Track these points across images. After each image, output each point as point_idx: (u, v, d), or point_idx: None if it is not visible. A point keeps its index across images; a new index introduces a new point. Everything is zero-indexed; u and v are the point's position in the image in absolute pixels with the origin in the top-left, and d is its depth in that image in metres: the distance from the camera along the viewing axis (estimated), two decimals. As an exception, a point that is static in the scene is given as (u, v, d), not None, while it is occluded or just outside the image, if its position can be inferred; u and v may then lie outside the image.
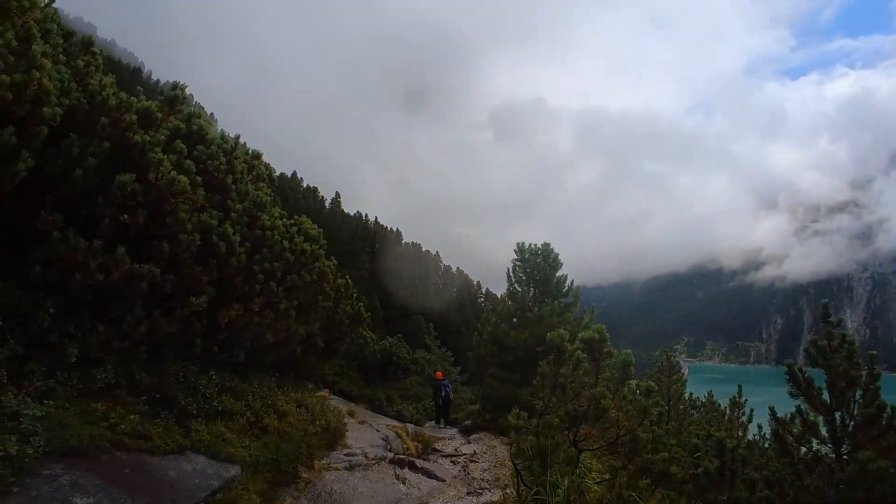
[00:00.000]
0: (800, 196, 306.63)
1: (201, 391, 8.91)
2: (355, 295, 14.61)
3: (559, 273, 22.07)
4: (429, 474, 12.42)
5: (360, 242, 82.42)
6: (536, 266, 21.93)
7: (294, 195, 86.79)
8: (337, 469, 10.71)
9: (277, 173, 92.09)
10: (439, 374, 24.92)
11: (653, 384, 8.74)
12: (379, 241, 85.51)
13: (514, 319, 21.93)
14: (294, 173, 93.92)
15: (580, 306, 22.48)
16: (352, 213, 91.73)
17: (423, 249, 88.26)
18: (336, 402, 17.21)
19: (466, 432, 21.02)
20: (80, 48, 9.78)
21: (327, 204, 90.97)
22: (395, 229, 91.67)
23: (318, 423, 11.19)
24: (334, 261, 12.96)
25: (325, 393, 17.44)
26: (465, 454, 17.44)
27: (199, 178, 8.87)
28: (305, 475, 9.66)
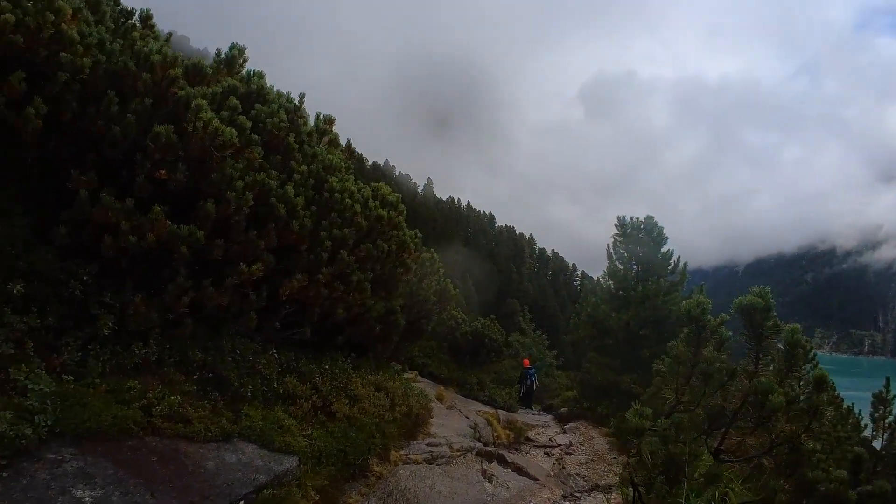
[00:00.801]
0: None
1: (260, 371, 7.81)
2: (442, 270, 13.27)
3: (664, 249, 20.01)
4: (520, 470, 10.97)
5: (453, 227, 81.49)
6: (639, 241, 19.95)
7: (388, 181, 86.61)
8: (416, 461, 9.47)
9: (370, 162, 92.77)
10: (526, 361, 23.64)
11: (824, 370, 6.39)
12: (472, 226, 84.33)
13: (615, 300, 20.08)
14: (387, 161, 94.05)
15: (687, 285, 20.31)
16: (444, 199, 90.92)
17: (517, 232, 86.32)
18: (424, 386, 16.07)
19: (562, 420, 19.44)
20: (139, 22, 8.97)
21: (420, 190, 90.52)
22: (487, 213, 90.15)
23: (398, 408, 9.98)
24: (419, 233, 11.63)
25: (412, 375, 16.33)
26: (560, 445, 15.91)
27: (256, 137, 7.74)
28: (378, 468, 8.45)
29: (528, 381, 22.95)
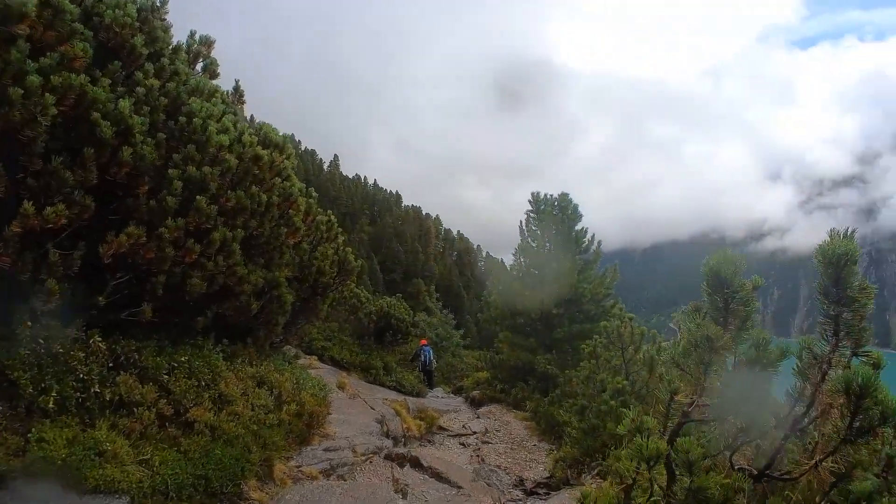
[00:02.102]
0: (806, 169, 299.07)
1: (75, 369, 5.07)
2: (342, 238, 10.70)
3: (578, 227, 18.22)
4: (439, 477, 8.61)
5: (359, 206, 78.46)
6: (553, 219, 18.07)
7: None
8: (310, 476, 6.95)
9: None
10: (423, 340, 21.54)
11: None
12: (378, 205, 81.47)
13: (528, 278, 18.17)
14: (292, 135, 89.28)
15: (601, 263, 18.67)
16: (350, 176, 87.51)
17: (424, 213, 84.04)
18: (323, 373, 13.57)
19: (474, 404, 17.34)
20: None
21: (325, 167, 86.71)
22: (394, 192, 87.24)
23: (287, 407, 7.42)
24: (314, 193, 9.07)
25: (309, 361, 13.77)
26: (475, 432, 13.80)
27: (79, 27, 4.98)
28: (256, 494, 5.86)
29: (423, 358, 20.37)
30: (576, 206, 18.35)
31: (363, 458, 8.33)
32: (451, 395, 20.71)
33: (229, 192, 6.07)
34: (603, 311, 17.39)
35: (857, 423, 3.54)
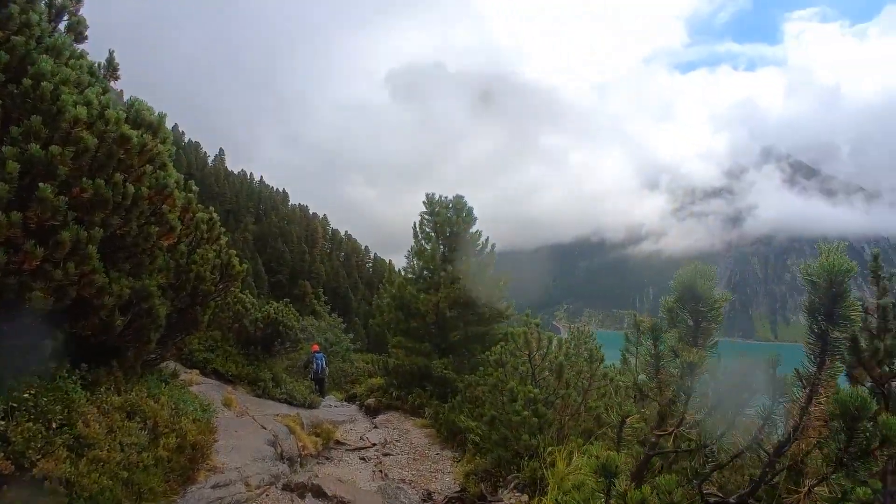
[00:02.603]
0: (680, 180, 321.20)
1: None
2: (225, 239, 9.33)
3: (473, 229, 17.66)
4: (346, 507, 7.58)
5: (244, 203, 74.86)
6: (447, 220, 17.40)
7: (175, 150, 77.25)
8: (195, 523, 5.77)
9: None
10: (315, 346, 20.84)
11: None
12: (264, 202, 78.19)
13: (423, 281, 17.40)
14: (175, 126, 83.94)
15: (496, 267, 18.23)
16: (236, 172, 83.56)
17: (311, 212, 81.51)
18: (206, 390, 12.07)
19: (370, 412, 16.30)
20: None
21: (210, 161, 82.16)
22: (281, 190, 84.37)
23: (164, 441, 6.11)
24: (195, 187, 7.74)
25: (190, 377, 12.21)
26: (374, 444, 12.78)
27: None
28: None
29: (315, 366, 19.38)
30: (470, 209, 17.81)
31: (258, 491, 7.15)
32: (345, 403, 19.54)
33: (85, 180, 4.67)
34: (497, 313, 16.91)
35: (853, 448, 3.00)
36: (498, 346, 10.97)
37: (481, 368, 13.77)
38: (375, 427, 14.37)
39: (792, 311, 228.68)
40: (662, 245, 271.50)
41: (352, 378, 25.83)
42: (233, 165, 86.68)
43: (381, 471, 10.93)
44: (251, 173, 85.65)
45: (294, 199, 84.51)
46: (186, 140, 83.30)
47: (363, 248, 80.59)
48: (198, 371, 13.97)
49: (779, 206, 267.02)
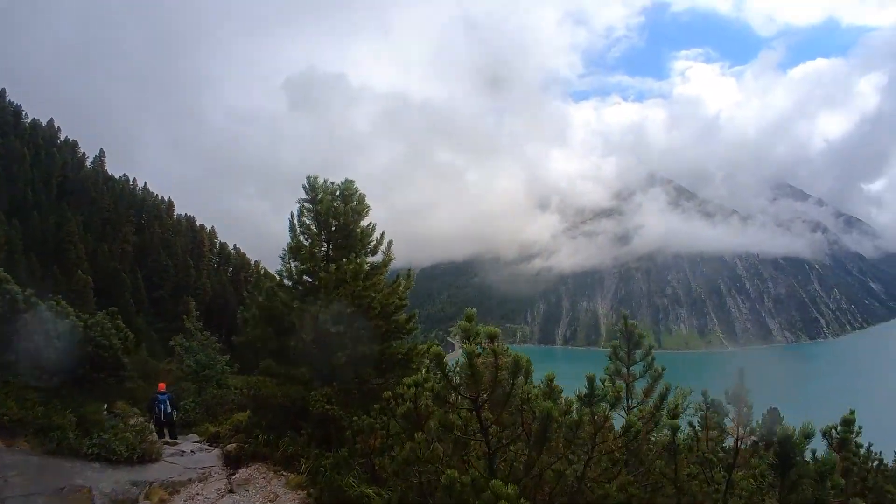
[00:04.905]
0: (571, 200, 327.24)
1: None
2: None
3: (365, 222, 13.68)
4: None
5: (124, 211, 67.11)
6: (333, 211, 13.31)
7: (48, 147, 68.75)
8: None
9: (29, 119, 72.91)
10: (161, 385, 17.28)
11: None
12: (147, 211, 70.77)
13: (299, 287, 13.24)
14: (51, 121, 74.83)
15: (392, 268, 14.24)
16: (118, 176, 75.44)
17: (198, 224, 74.49)
18: None
19: (230, 462, 11.86)
20: None
21: (89, 163, 73.68)
22: (167, 199, 76.95)
23: None
24: None
25: None
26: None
27: None
28: None
29: (158, 409, 15.68)
30: (362, 197, 13.76)
31: None
32: (206, 445, 14.80)
33: None
34: (396, 327, 13.03)
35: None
36: (412, 378, 6.79)
37: (377, 406, 9.88)
38: (231, 491, 10.07)
39: (673, 321, 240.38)
40: (553, 262, 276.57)
41: (229, 406, 21.05)
42: (113, 169, 78.63)
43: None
44: (134, 179, 78.19)
45: (180, 209, 77.50)
46: (63, 138, 74.75)
47: (254, 263, 74.39)
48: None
49: (663, 226, 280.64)
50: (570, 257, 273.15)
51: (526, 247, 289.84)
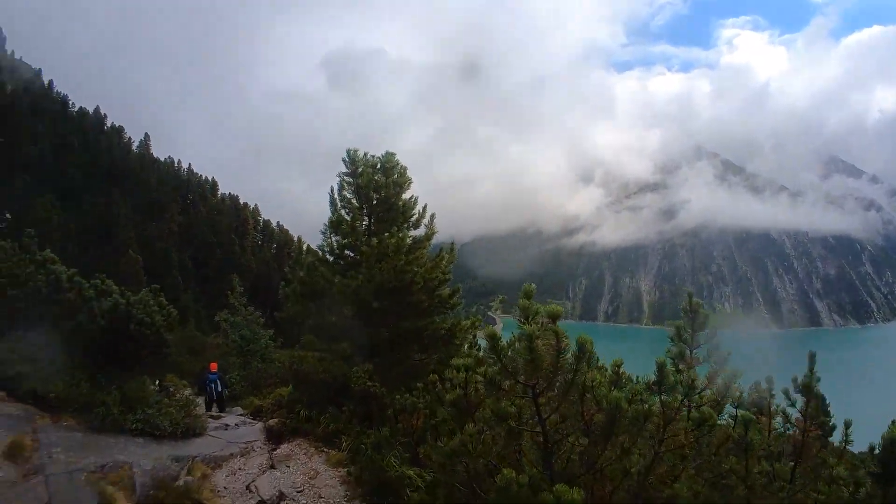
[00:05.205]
0: (615, 173, 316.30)
1: None
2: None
3: (407, 195, 13.20)
4: None
5: (170, 192, 68.23)
6: (374, 184, 12.86)
7: (95, 134, 70.24)
8: None
9: (76, 108, 74.67)
10: (213, 365, 17.50)
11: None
12: (192, 192, 71.81)
13: (341, 261, 12.89)
14: (97, 109, 76.33)
15: (434, 242, 13.74)
16: (162, 159, 76.72)
17: (242, 202, 75.33)
18: None
19: (272, 438, 11.69)
20: None
21: (134, 147, 75.11)
22: (210, 179, 77.82)
23: None
24: None
25: None
26: (262, 502, 8.36)
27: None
28: None
29: (210, 389, 16.17)
30: (403, 169, 13.28)
31: None
32: (249, 419, 14.73)
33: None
34: (439, 302, 12.56)
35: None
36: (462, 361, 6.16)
37: (420, 385, 9.50)
38: (272, 467, 9.88)
39: (717, 299, 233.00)
40: (596, 236, 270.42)
41: (273, 381, 21.14)
42: (158, 152, 79.90)
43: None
44: (178, 161, 79.30)
45: (224, 189, 78.36)
46: (109, 124, 76.19)
47: (296, 238, 75.03)
48: (4, 394, 9.26)
49: (709, 201, 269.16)
50: (613, 232, 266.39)
51: (568, 221, 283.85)
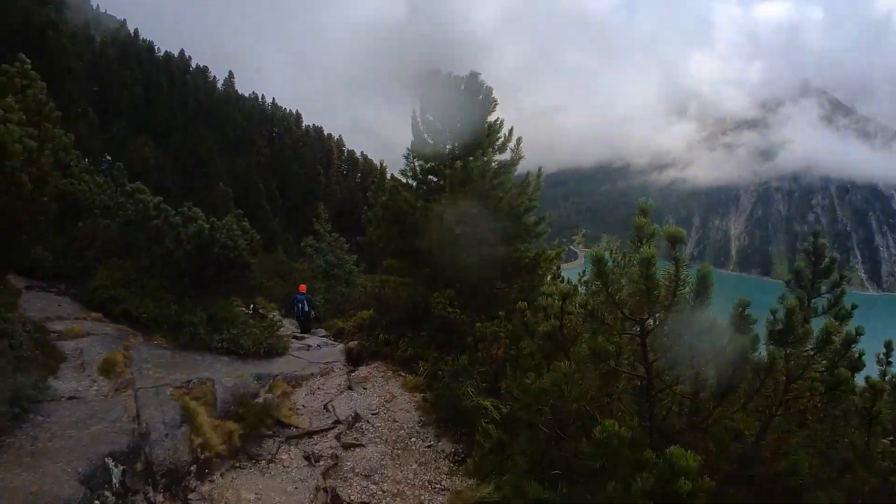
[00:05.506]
0: (711, 107, 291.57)
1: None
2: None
3: (493, 117, 12.31)
4: None
5: (255, 127, 69.69)
6: (458, 104, 12.05)
7: (181, 75, 72.07)
8: None
9: (162, 52, 76.66)
10: (302, 286, 17.95)
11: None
12: (277, 125, 73.02)
13: (424, 186, 12.38)
14: (182, 52, 77.96)
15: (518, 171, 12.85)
16: (247, 95, 77.99)
17: (326, 133, 75.98)
18: (92, 343, 8.01)
19: (352, 360, 11.64)
20: None
21: (220, 85, 76.63)
22: (294, 111, 78.61)
23: None
24: None
25: (76, 326, 7.92)
26: (339, 422, 8.28)
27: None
28: None
29: (297, 309, 16.73)
30: (489, 90, 12.27)
31: None
32: (331, 341, 14.90)
33: None
34: (525, 229, 11.84)
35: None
36: (559, 288, 5.40)
37: (501, 314, 9.04)
38: (350, 388, 9.79)
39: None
40: (687, 174, 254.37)
41: (356, 304, 21.44)
42: (243, 89, 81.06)
43: (327, 489, 6.35)
44: (262, 96, 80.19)
45: (307, 121, 78.93)
46: (194, 65, 77.66)
47: (381, 164, 75.39)
48: (101, 315, 9.51)
49: (812, 143, 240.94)
50: (705, 170, 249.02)
51: (659, 156, 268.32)
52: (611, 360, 3.88)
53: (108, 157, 51.65)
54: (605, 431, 3.20)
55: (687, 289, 3.56)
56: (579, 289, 10.63)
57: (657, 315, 3.67)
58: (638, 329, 3.73)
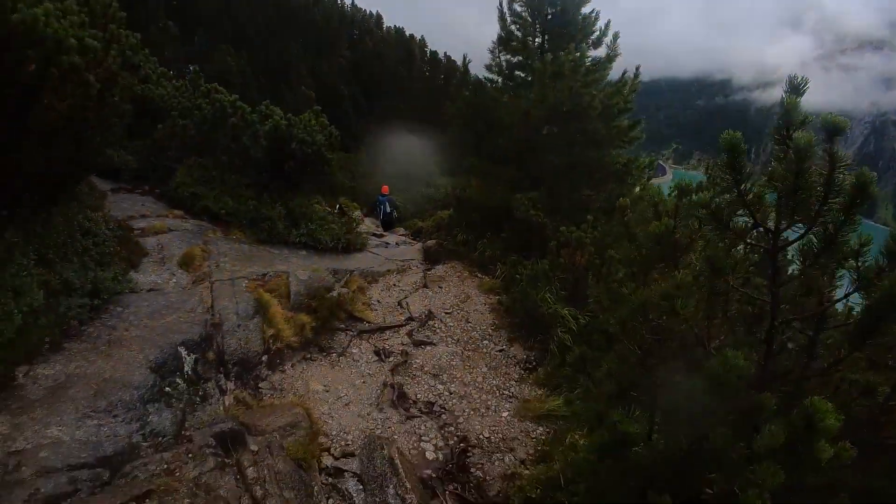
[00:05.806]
0: (831, 22, 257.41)
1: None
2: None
3: (586, 9, 11.06)
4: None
5: (335, 30, 68.39)
6: (550, -3, 10.88)
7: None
8: None
9: None
10: (385, 188, 17.82)
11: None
12: (358, 26, 71.32)
13: (510, 81, 11.46)
14: None
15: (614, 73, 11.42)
16: (325, -1, 76.13)
17: (407, 34, 73.72)
18: (174, 238, 8.09)
19: (429, 258, 11.37)
20: None
21: (296, -12, 75.04)
22: (374, 13, 76.25)
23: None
24: None
25: (160, 222, 7.97)
26: (412, 319, 8.09)
27: None
28: None
29: (379, 210, 16.93)
30: (584, -24, 11.02)
31: None
32: (410, 239, 14.72)
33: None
34: (618, 132, 10.75)
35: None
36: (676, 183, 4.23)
37: (590, 217, 8.38)
38: (425, 286, 9.54)
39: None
40: None
41: (437, 205, 21.22)
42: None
43: (394, 385, 6.19)
44: (341, -2, 77.56)
45: (389, 22, 76.43)
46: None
47: (465, 61, 72.76)
48: (182, 212, 9.56)
49: None
50: (816, 93, 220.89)
51: (765, 72, 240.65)
52: (729, 275, 3.10)
53: (191, 68, 52.48)
54: (720, 363, 2.47)
55: (839, 199, 2.64)
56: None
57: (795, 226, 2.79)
58: (771, 239, 2.87)
